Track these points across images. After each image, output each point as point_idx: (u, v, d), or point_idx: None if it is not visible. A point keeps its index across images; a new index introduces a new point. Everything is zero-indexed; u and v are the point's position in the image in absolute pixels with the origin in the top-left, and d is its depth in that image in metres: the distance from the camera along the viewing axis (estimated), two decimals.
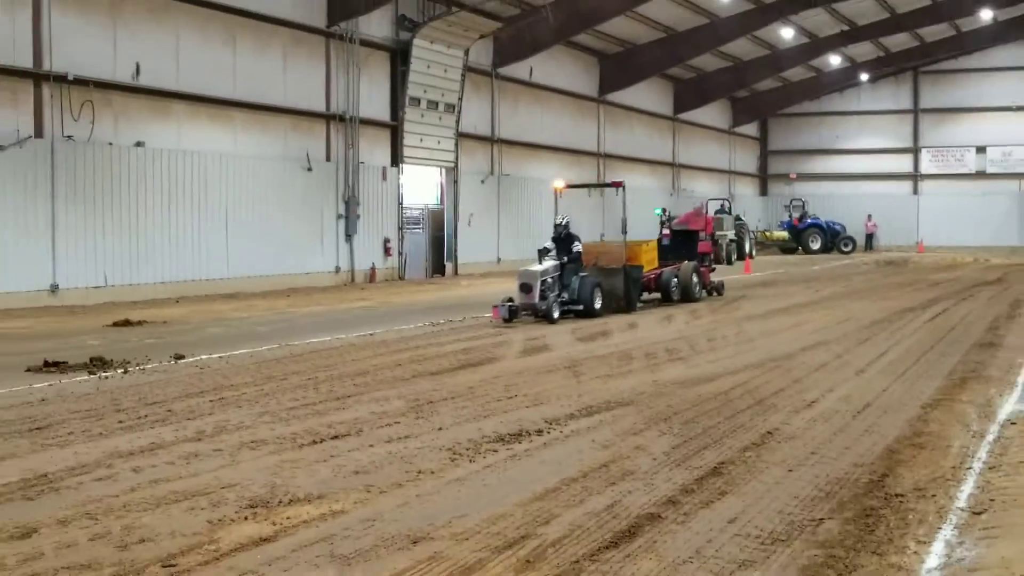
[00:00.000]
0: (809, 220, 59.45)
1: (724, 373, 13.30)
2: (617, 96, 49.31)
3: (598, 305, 20.54)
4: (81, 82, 24.00)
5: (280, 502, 7.29)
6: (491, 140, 40.70)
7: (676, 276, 23.89)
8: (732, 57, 53.98)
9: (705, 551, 6.19)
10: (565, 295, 20.25)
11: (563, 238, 20.73)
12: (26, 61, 23.07)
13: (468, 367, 14.12)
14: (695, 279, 24.26)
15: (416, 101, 35.52)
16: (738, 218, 52.81)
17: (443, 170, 37.86)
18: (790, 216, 60.26)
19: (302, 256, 30.82)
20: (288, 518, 6.91)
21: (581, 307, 20.32)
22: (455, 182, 38.06)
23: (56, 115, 23.61)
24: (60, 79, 23.52)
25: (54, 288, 23.50)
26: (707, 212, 29.66)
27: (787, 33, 50.93)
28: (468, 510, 7.05)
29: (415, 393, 11.88)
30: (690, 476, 7.95)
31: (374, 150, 34.10)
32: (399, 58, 34.69)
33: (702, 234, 26.25)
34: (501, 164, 41.13)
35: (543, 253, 20.90)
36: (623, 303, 21.46)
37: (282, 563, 6.03)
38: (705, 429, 9.77)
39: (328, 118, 32.16)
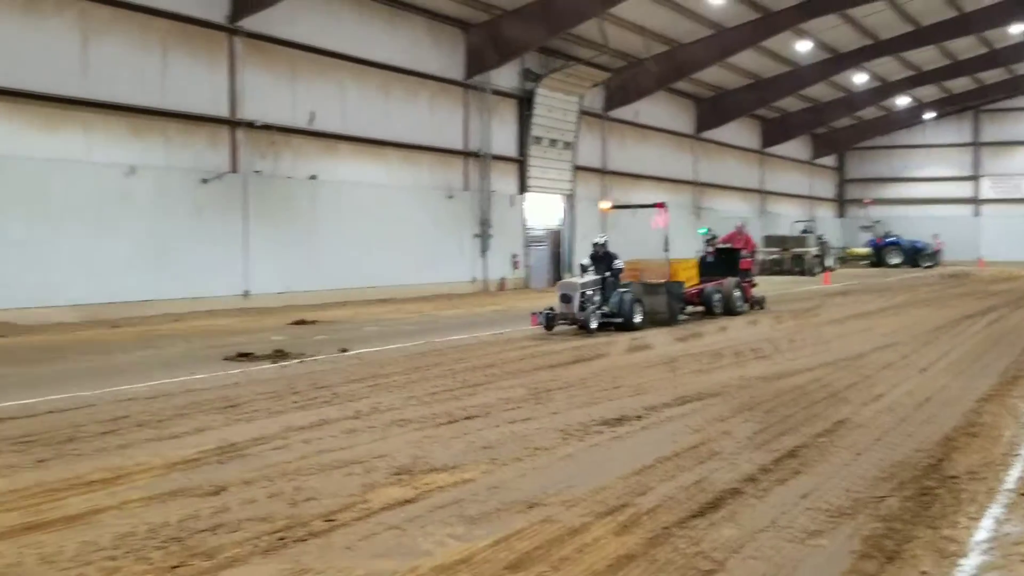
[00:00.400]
0: (889, 239, 57.74)
1: (802, 370, 12.91)
2: (710, 133, 48.56)
3: (638, 319, 18.52)
4: (267, 127, 24.72)
5: (420, 470, 7.35)
6: (602, 171, 40.47)
7: (718, 291, 22.01)
8: (812, 99, 52.60)
9: (779, 521, 6.04)
10: (606, 308, 18.24)
11: (601, 256, 18.80)
12: (224, 111, 23.87)
13: (580, 361, 14.01)
14: (737, 293, 22.32)
15: (538, 140, 35.60)
16: (820, 237, 51.70)
17: (562, 196, 37.82)
18: (872, 235, 58.66)
19: (444, 268, 31.06)
20: (426, 484, 6.96)
21: (621, 320, 18.21)
22: (571, 207, 38.00)
23: (247, 154, 24.36)
24: (250, 125, 24.27)
25: (246, 293, 24.19)
26: (747, 231, 26.17)
27: (860, 78, 49.77)
28: (576, 482, 7.01)
29: (535, 382, 11.85)
30: (768, 457, 7.76)
31: (504, 181, 34.22)
32: (524, 104, 34.76)
33: (744, 252, 23.90)
34: (610, 191, 40.90)
35: (584, 269, 19.02)
36: (666, 316, 19.58)
37: (420, 520, 6.10)
38: (783, 418, 9.53)
39: (465, 155, 32.42)
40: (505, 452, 8.00)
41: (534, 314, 17.72)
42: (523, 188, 35.34)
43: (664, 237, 20.23)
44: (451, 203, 31.51)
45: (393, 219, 28.69)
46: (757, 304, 23.90)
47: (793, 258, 47.92)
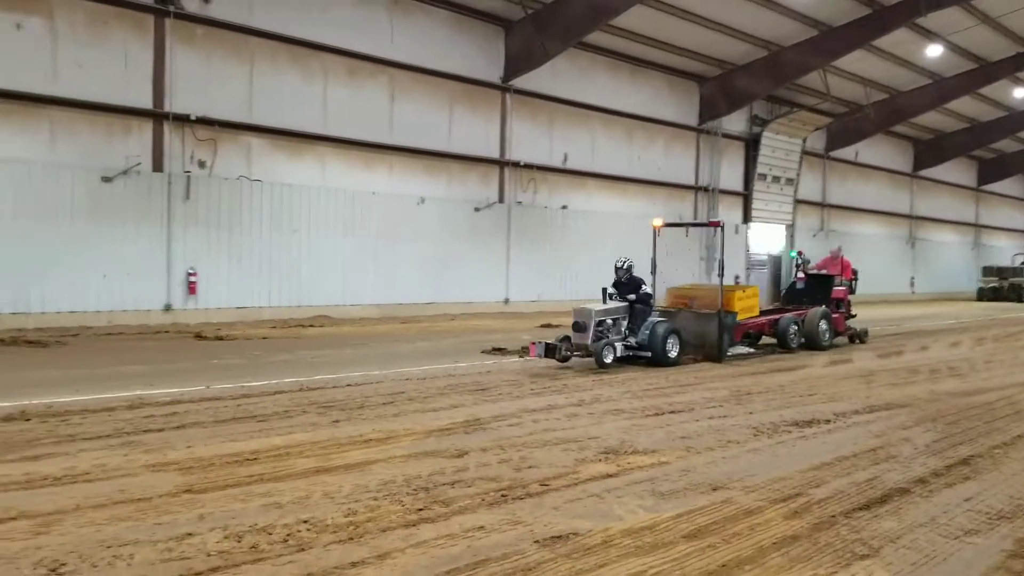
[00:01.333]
0: None
1: (993, 388, 11.80)
2: (927, 172, 44.99)
3: (673, 353, 13.56)
4: (528, 166, 25.55)
5: (624, 452, 7.41)
6: (821, 205, 38.50)
7: (796, 322, 16.52)
8: None
9: (939, 519, 5.65)
10: (632, 340, 13.55)
11: (625, 282, 13.90)
12: (495, 153, 24.90)
13: (781, 371, 13.48)
14: (823, 326, 16.83)
15: (763, 176, 34.46)
16: None
17: (784, 226, 36.38)
18: None
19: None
20: (628, 463, 7.02)
21: (650, 354, 13.48)
22: (791, 236, 36.45)
23: (512, 188, 25.30)
24: (515, 164, 25.20)
25: (507, 300, 25.10)
26: (844, 256, 19.93)
27: None
28: (758, 471, 6.85)
29: (738, 386, 11.56)
30: (942, 463, 7.22)
31: (729, 212, 33.35)
32: (751, 145, 33.78)
33: (838, 279, 18.58)
34: (829, 223, 38.85)
35: (606, 296, 13.98)
36: (714, 351, 14.26)
37: (617, 492, 6.18)
38: (964, 430, 8.78)
39: (696, 189, 31.90)
40: (700, 442, 7.92)
41: (533, 343, 12.99)
42: (747, 218, 34.32)
43: (719, 261, 14.87)
44: (682, 231, 31.07)
45: (630, 243, 28.61)
46: (857, 338, 18.47)
47: (1010, 287, 44.11)
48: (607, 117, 27.90)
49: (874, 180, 41.76)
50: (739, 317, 15.19)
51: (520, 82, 24.86)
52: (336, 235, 21.23)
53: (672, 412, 9.43)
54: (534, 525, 5.40)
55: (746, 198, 34.16)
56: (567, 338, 13.04)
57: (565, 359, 12.98)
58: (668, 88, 30.17)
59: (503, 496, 6.02)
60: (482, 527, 5.33)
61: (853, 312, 18.85)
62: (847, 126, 37.02)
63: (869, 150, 40.21)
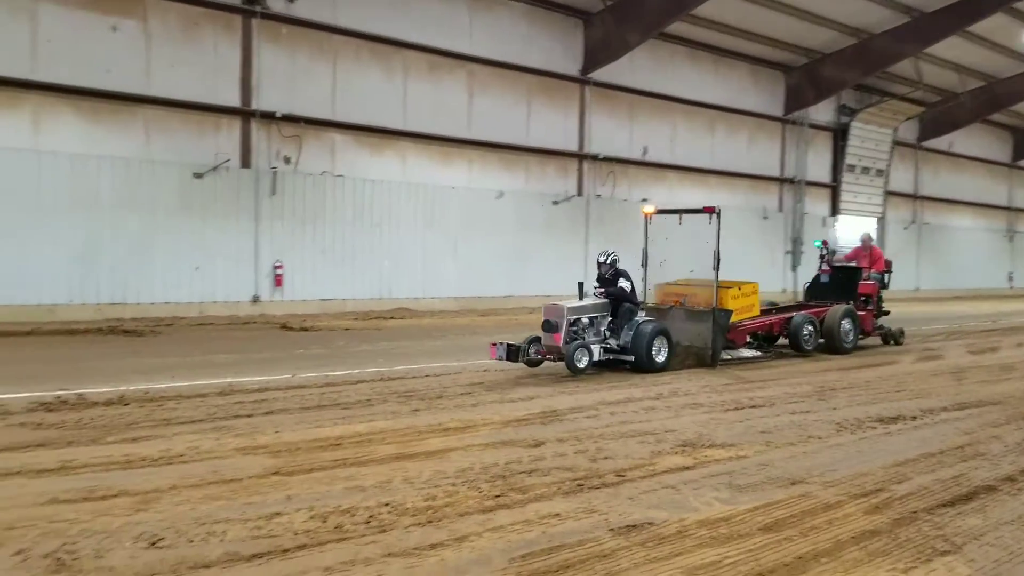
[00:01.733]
0: None
1: None
2: None
3: (661, 358, 11.76)
4: (607, 159, 25.51)
5: (702, 445, 7.40)
6: (913, 197, 37.34)
7: (811, 321, 14.43)
8: None
9: None
10: (614, 342, 11.78)
11: (608, 278, 12.08)
12: (573, 146, 24.94)
13: (868, 367, 13.14)
14: (846, 325, 14.69)
15: (852, 167, 33.61)
16: None
17: (874, 219, 35.37)
18: None
19: (758, 279, 30.13)
20: (705, 456, 7.01)
21: (632, 359, 11.68)
22: (882, 228, 35.43)
23: (590, 181, 25.29)
24: (594, 158, 25.17)
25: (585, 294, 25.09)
26: (875, 246, 17.28)
27: None
28: (839, 467, 6.75)
29: (822, 381, 11.37)
30: None
31: (816, 204, 32.67)
32: (839, 135, 32.99)
33: (868, 272, 16.13)
34: (922, 215, 37.63)
35: (581, 292, 11.89)
36: (706, 354, 12.53)
37: (694, 484, 6.20)
38: None
39: (780, 181, 31.34)
40: (780, 437, 7.84)
41: (493, 344, 11.29)
42: (835, 211, 33.52)
43: (714, 252, 12.90)
44: (766, 223, 30.63)
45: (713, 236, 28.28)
46: (891, 339, 16.24)
47: None
48: (688, 108, 27.62)
49: (969, 171, 40.22)
50: (738, 317, 13.36)
51: (599, 75, 24.81)
52: (416, 229, 21.62)
53: (752, 407, 9.35)
54: (609, 514, 5.47)
55: (834, 190, 33.37)
56: (537, 339, 11.33)
57: (534, 363, 11.36)
58: (752, 78, 29.67)
59: (579, 485, 6.10)
60: (558, 514, 5.43)
61: (885, 309, 16.32)
62: (941, 115, 35.77)
63: (964, 140, 38.76)
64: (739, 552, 4.84)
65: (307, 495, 5.68)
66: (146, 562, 4.48)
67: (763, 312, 14.56)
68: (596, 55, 24.47)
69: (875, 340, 16.29)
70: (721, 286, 12.83)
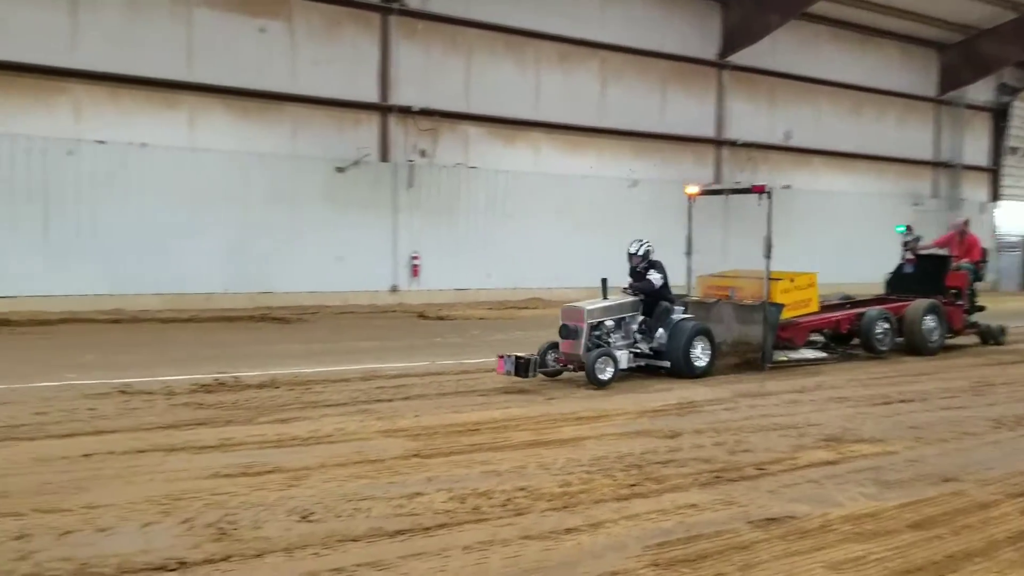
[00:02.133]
0: None
1: None
2: None
3: (702, 361, 10.25)
4: (747, 145, 24.90)
5: (847, 440, 7.20)
6: None
7: (886, 317, 12.43)
8: None
9: None
10: (644, 347, 10.25)
11: (640, 271, 10.51)
12: (710, 132, 24.48)
13: None
14: (929, 323, 12.70)
15: (1014, 150, 31.49)
16: None
17: None
18: None
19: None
20: (851, 451, 6.82)
21: (668, 364, 10.20)
22: None
23: (730, 168, 24.78)
24: (732, 144, 24.63)
25: None
26: (971, 232, 14.88)
27: None
28: (996, 464, 6.43)
29: (978, 376, 10.80)
30: None
31: (974, 190, 30.78)
32: (999, 116, 30.94)
33: (960, 262, 13.99)
34: None
35: (604, 290, 10.36)
36: (756, 354, 10.99)
37: (838, 479, 6.05)
38: None
39: (934, 165, 29.69)
40: (931, 433, 7.53)
41: (501, 356, 9.70)
42: (995, 196, 31.50)
43: (765, 238, 11.73)
44: (916, 210, 29.07)
45: (857, 224, 27.19)
46: (991, 338, 14.08)
47: None
48: (832, 90, 26.59)
49: None
50: (792, 312, 11.74)
51: (737, 58, 24.23)
52: (548, 219, 21.76)
53: (902, 401, 9.01)
54: (748, 507, 5.41)
55: (994, 174, 31.36)
56: (555, 345, 9.99)
57: (553, 373, 9.98)
58: (901, 57, 28.24)
59: (716, 477, 6.06)
60: (694, 505, 5.42)
61: (979, 304, 14.16)
62: None
63: None
64: (885, 549, 4.70)
65: (446, 477, 5.89)
66: (299, 534, 4.78)
67: (831, 307, 12.96)
68: (734, 38, 23.90)
69: (968, 339, 14.16)
70: (772, 277, 11.33)
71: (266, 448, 6.62)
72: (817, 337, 12.52)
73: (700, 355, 10.26)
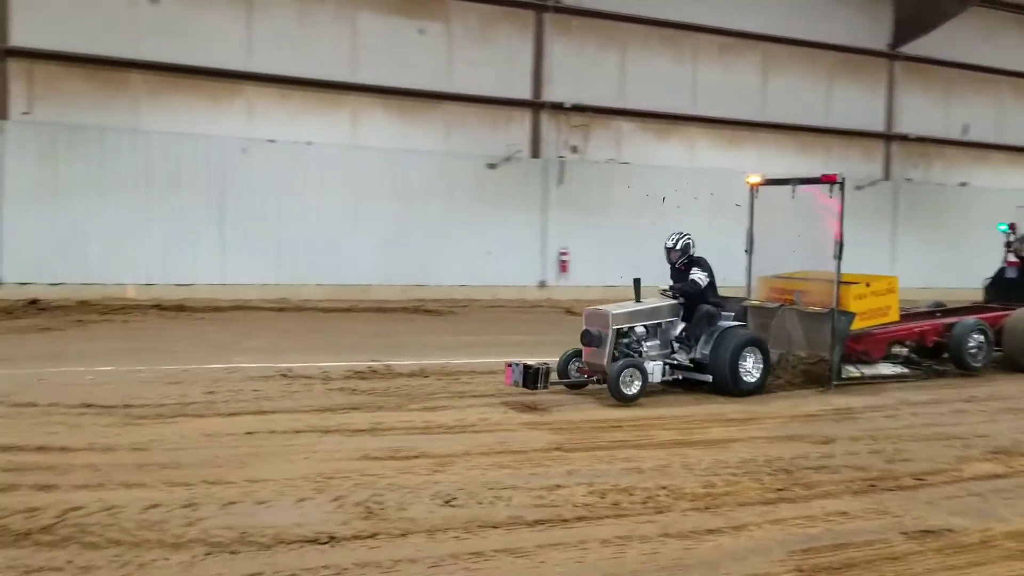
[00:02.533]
0: None
1: None
2: None
3: (753, 377, 8.87)
4: (920, 140, 23.58)
5: (1019, 453, 6.76)
6: None
7: (984, 330, 10.64)
8: None
9: None
10: (684, 356, 8.98)
11: (681, 269, 9.38)
12: (879, 126, 23.33)
13: None
14: None
15: None
16: None
17: None
18: None
19: None
20: (1022, 465, 6.41)
21: (711, 378, 8.87)
22: None
23: (902, 163, 23.55)
24: (903, 138, 23.38)
25: None
26: None
27: None
28: None
29: None
30: None
31: None
32: None
33: None
34: None
35: (637, 291, 9.06)
36: (824, 368, 9.38)
37: (1005, 493, 5.73)
38: None
39: None
40: None
41: (509, 365, 8.53)
42: None
43: (835, 237, 10.25)
44: None
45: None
46: None
47: None
48: (1017, 81, 24.77)
49: None
50: (866, 322, 10.11)
51: (910, 48, 22.97)
52: (703, 216, 21.29)
53: None
54: (903, 518, 5.18)
55: None
56: (578, 353, 8.94)
57: (577, 385, 8.90)
58: None
59: (871, 486, 5.83)
60: (845, 512, 5.24)
61: None
62: None
63: None
64: None
65: (587, 471, 5.95)
66: (443, 517, 4.96)
67: (917, 315, 11.47)
68: (907, 27, 22.66)
69: None
70: (844, 281, 9.79)
71: (413, 434, 6.88)
72: (900, 349, 10.65)
73: (750, 369, 8.91)
